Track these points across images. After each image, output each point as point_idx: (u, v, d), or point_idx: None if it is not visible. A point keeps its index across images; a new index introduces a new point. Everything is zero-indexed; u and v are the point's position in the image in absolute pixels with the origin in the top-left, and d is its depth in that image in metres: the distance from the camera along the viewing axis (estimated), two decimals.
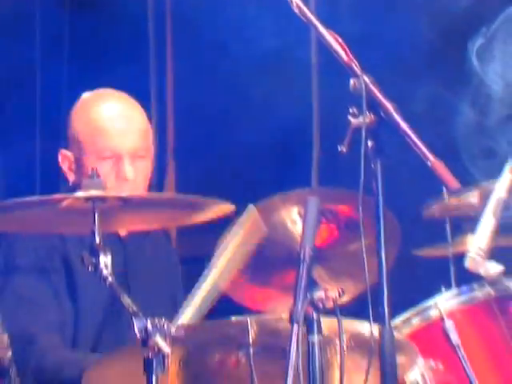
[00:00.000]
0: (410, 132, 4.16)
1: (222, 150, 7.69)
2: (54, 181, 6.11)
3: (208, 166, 7.00)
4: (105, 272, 4.45)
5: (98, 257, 4.45)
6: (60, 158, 5.60)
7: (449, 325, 4.90)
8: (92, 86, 5.62)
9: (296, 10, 4.46)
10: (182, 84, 8.26)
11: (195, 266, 5.13)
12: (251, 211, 4.95)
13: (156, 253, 5.60)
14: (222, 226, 4.82)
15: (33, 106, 8.11)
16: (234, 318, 4.66)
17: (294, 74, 7.43)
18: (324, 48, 4.35)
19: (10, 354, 4.62)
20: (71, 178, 5.54)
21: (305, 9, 4.44)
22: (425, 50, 7.15)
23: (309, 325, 4.14)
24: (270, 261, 4.78)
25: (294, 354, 4.08)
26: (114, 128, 5.55)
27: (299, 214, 4.62)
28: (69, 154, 5.57)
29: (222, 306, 4.84)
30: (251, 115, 7.53)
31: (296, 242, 4.61)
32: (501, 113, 5.87)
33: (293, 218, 4.68)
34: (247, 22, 7.56)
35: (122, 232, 5.43)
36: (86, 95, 5.67)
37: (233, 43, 7.90)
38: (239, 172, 7.48)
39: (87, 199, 4.54)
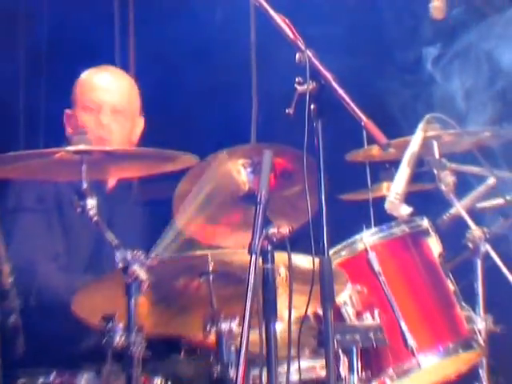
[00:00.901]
0: (345, 96, 4.08)
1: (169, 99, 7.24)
2: None
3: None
4: (91, 212, 4.45)
5: (85, 200, 4.44)
6: (64, 118, 5.55)
7: (372, 256, 4.89)
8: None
9: None
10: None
11: (158, 207, 5.25)
12: (222, 159, 4.86)
13: (128, 201, 5.63)
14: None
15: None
16: (197, 252, 4.68)
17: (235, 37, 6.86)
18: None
19: (11, 280, 4.56)
20: (69, 133, 5.51)
21: None
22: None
23: (264, 255, 4.08)
24: (218, 203, 4.68)
25: (252, 279, 4.01)
26: (98, 84, 5.57)
27: (242, 165, 4.54)
28: (69, 111, 5.55)
29: None
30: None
31: (239, 188, 4.58)
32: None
33: (238, 168, 4.57)
34: None
35: (110, 183, 5.47)
36: (89, 71, 5.67)
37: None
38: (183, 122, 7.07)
39: (76, 152, 4.50)
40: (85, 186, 4.46)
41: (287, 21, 4.26)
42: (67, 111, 5.60)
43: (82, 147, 4.69)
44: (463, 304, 5.01)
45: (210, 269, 4.66)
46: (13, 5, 6.96)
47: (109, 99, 5.53)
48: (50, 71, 7.37)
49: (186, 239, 4.85)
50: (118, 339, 4.45)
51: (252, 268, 4.06)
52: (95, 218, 4.46)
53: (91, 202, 4.46)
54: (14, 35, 7.26)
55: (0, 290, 4.54)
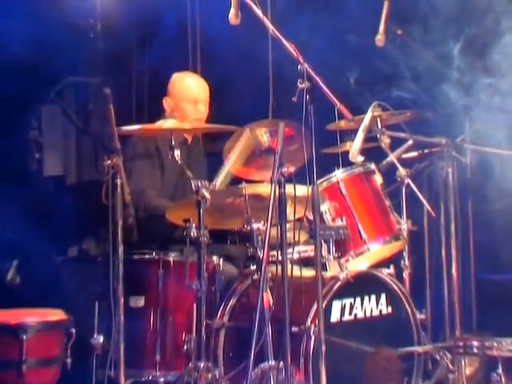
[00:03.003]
0: (327, 90, 4.14)
1: None
2: None
3: None
4: (177, 158, 4.50)
5: (173, 151, 4.50)
6: (164, 103, 5.35)
7: (341, 185, 4.86)
8: None
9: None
10: None
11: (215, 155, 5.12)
12: (247, 132, 4.80)
13: (198, 151, 5.49)
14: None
15: None
16: (239, 186, 4.65)
17: None
18: None
19: (129, 198, 4.49)
20: (167, 112, 5.40)
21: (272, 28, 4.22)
22: None
23: (279, 184, 4.14)
24: (250, 154, 4.63)
25: (272, 197, 4.12)
26: (194, 84, 5.41)
27: (264, 132, 4.47)
28: (169, 99, 5.36)
29: None
30: None
31: (262, 145, 4.49)
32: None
33: (262, 133, 4.48)
34: None
35: (189, 140, 5.40)
36: (176, 73, 5.47)
37: None
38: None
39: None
40: (173, 142, 4.49)
41: (293, 45, 4.18)
42: (166, 98, 5.39)
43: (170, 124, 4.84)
44: (394, 213, 4.98)
45: (246, 193, 4.59)
46: None
47: (203, 96, 5.41)
48: None
49: (231, 175, 4.79)
50: (192, 233, 4.46)
51: (273, 192, 4.13)
52: (179, 162, 4.50)
53: (177, 152, 4.49)
54: None
55: (123, 204, 4.40)
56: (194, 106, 5.40)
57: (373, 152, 5.16)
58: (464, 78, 5.13)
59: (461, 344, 4.61)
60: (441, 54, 5.26)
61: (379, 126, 5.13)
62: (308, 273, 4.44)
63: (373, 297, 4.72)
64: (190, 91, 5.42)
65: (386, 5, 5.32)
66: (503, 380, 4.38)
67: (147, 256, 4.86)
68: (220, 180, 4.81)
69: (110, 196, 4.34)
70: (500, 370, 4.39)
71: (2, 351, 4.29)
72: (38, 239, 5.44)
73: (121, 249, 4.34)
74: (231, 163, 4.71)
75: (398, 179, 5.12)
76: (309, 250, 4.78)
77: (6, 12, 5.23)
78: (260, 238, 4.56)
